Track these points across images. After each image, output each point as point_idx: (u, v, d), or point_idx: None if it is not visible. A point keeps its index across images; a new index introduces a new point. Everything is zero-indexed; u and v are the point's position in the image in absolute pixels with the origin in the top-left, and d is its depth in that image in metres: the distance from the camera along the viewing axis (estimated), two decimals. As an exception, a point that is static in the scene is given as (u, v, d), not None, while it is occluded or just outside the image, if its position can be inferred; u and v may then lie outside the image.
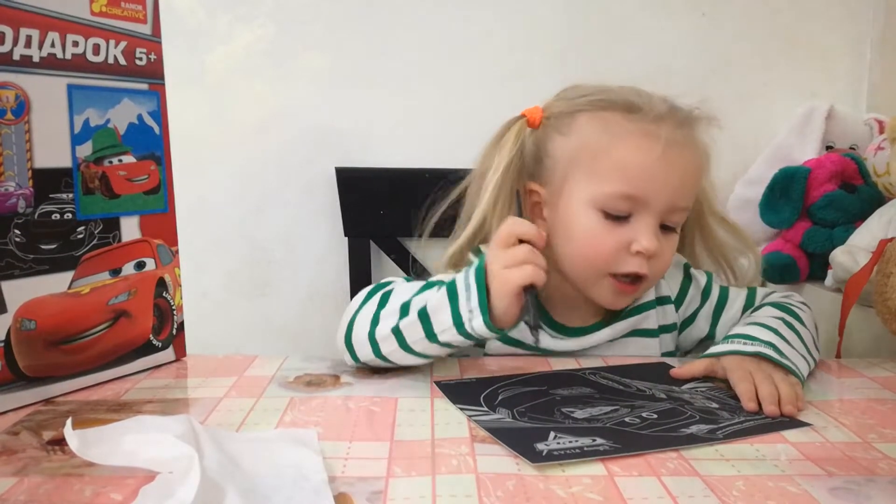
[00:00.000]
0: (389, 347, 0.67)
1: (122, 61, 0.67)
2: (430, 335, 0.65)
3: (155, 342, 0.72)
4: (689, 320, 0.84)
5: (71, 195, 0.64)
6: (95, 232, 0.66)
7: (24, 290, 0.60)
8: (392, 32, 1.28)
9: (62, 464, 0.50)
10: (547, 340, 0.78)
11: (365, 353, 0.69)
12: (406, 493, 0.46)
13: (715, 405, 0.62)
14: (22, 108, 0.60)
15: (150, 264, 0.71)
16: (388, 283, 0.74)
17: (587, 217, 0.74)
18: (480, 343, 0.79)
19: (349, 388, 0.66)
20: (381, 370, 0.70)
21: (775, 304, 0.79)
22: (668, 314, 0.83)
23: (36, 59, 0.61)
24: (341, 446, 0.53)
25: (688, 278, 0.84)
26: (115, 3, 0.66)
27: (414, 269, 1.24)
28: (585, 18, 1.29)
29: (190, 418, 0.50)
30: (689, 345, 0.86)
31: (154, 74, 0.70)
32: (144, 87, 0.69)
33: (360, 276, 1.29)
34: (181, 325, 0.75)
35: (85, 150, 0.65)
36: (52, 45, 0.62)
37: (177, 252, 0.74)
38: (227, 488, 0.43)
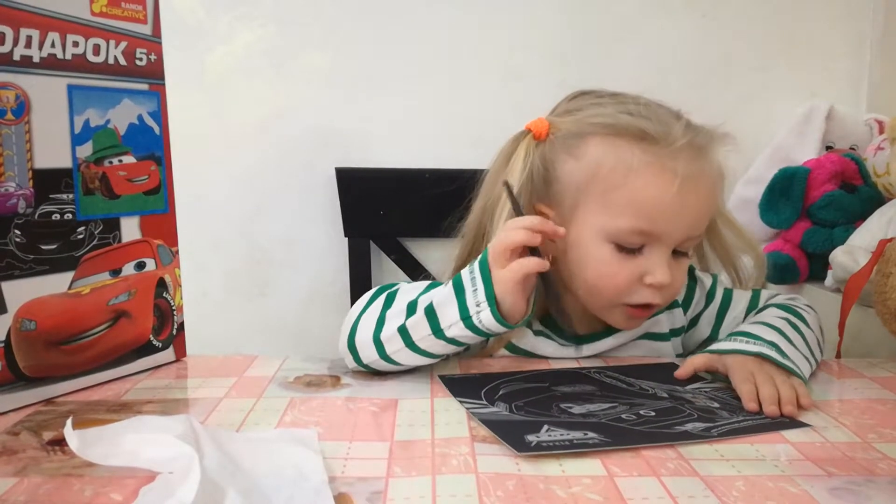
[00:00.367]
0: (395, 347, 0.67)
1: (123, 61, 0.68)
2: (437, 331, 0.65)
3: (155, 342, 0.72)
4: (693, 322, 0.84)
5: (71, 195, 0.64)
6: (95, 232, 0.66)
7: (24, 291, 0.60)
8: (392, 32, 1.28)
9: (62, 464, 0.50)
10: (554, 348, 0.78)
11: (369, 354, 0.69)
12: (406, 493, 0.46)
13: (716, 405, 0.62)
14: (22, 108, 0.60)
15: (151, 264, 0.71)
16: (393, 286, 0.74)
17: (599, 249, 0.73)
18: (484, 345, 0.79)
19: (349, 389, 0.66)
20: (382, 371, 0.70)
21: (780, 306, 0.79)
22: (677, 317, 0.83)
23: (36, 59, 0.61)
24: (341, 446, 0.53)
25: (693, 281, 0.84)
26: (115, 3, 0.66)
27: (421, 278, 1.23)
28: (585, 19, 1.29)
29: (190, 418, 0.50)
30: (691, 346, 0.86)
31: (154, 74, 0.70)
32: (144, 87, 0.69)
33: (360, 276, 1.29)
34: (181, 326, 0.75)
35: (85, 150, 0.65)
36: (53, 46, 0.62)
37: (177, 252, 0.74)
38: (227, 488, 0.43)
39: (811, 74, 1.33)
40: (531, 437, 0.53)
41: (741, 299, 0.83)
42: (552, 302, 0.72)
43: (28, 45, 0.60)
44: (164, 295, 0.73)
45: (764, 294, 0.84)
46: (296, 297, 1.33)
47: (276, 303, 1.33)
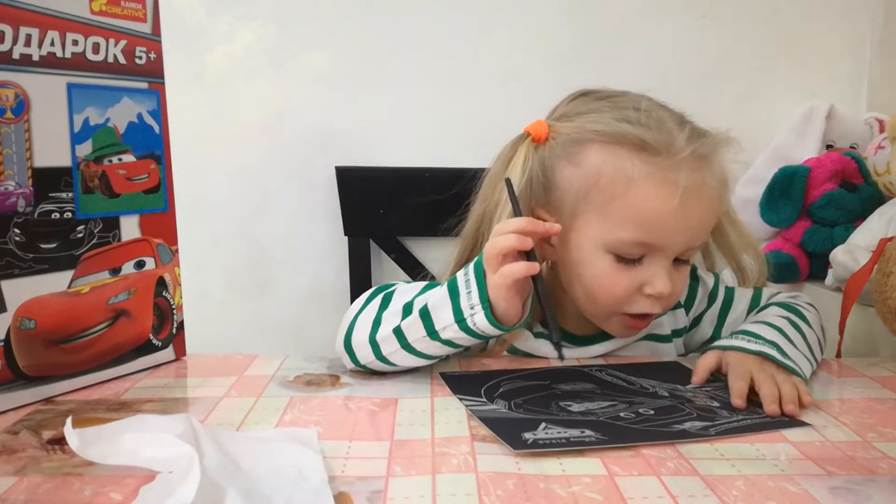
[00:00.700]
0: (390, 348, 0.67)
1: (122, 60, 0.67)
2: (432, 332, 0.65)
3: (155, 341, 0.72)
4: (695, 322, 0.84)
5: (71, 194, 0.64)
6: (95, 231, 0.66)
7: (23, 290, 0.60)
8: (392, 32, 1.28)
9: (62, 463, 0.50)
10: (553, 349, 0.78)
11: (365, 355, 0.68)
12: (406, 492, 0.46)
13: (716, 404, 0.62)
14: (21, 106, 0.60)
15: (150, 263, 0.71)
16: (390, 286, 0.74)
17: (599, 258, 0.72)
18: (484, 347, 0.79)
19: (349, 388, 0.66)
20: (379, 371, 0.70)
21: (781, 304, 0.79)
22: (679, 318, 0.83)
23: (35, 57, 0.61)
24: (341, 446, 0.53)
25: (696, 281, 0.84)
26: (114, 2, 0.66)
27: (420, 277, 1.23)
28: (585, 19, 1.29)
29: (190, 417, 0.50)
30: (693, 346, 0.86)
31: (154, 73, 0.70)
32: (144, 86, 0.69)
33: (360, 276, 1.29)
34: (181, 325, 0.75)
35: (85, 149, 0.65)
36: (52, 44, 0.62)
37: (177, 251, 0.74)
38: (227, 488, 0.43)
39: (811, 74, 1.33)
40: (528, 435, 0.53)
41: (742, 298, 0.83)
42: (552, 305, 0.72)
43: (27, 43, 0.60)
44: (163, 294, 0.73)
45: (765, 292, 0.84)
46: (296, 297, 1.33)
47: (276, 302, 1.33)
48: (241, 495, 0.42)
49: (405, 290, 0.71)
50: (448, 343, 0.66)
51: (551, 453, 0.51)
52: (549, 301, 0.66)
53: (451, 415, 0.59)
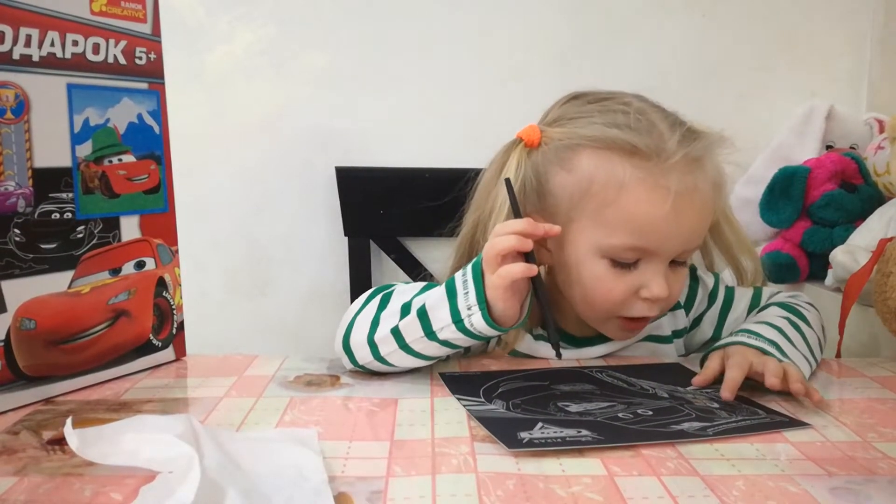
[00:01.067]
0: (388, 348, 0.67)
1: (122, 60, 0.67)
2: (429, 333, 0.65)
3: (155, 342, 0.72)
4: (696, 323, 0.84)
5: (71, 195, 0.64)
6: (95, 231, 0.66)
7: (23, 290, 0.60)
8: (392, 32, 1.28)
9: (62, 463, 0.50)
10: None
11: (363, 355, 0.68)
12: (406, 492, 0.46)
13: (716, 405, 0.62)
14: (21, 107, 0.60)
15: (150, 264, 0.71)
16: (389, 287, 0.74)
17: (594, 264, 0.72)
18: (485, 349, 0.79)
19: (349, 389, 0.66)
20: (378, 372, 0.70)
21: (781, 304, 0.79)
22: (679, 319, 0.83)
23: (35, 58, 0.61)
24: (341, 446, 0.53)
25: (695, 281, 0.84)
26: (114, 2, 0.66)
27: (422, 278, 1.23)
28: (585, 19, 1.29)
29: (190, 418, 0.50)
30: (693, 347, 0.86)
31: (154, 74, 0.70)
32: (144, 86, 0.69)
33: (360, 276, 1.29)
34: (181, 325, 0.75)
35: (85, 149, 0.65)
36: (52, 45, 0.62)
37: (177, 252, 0.74)
38: (227, 488, 0.43)
39: (811, 74, 1.33)
40: (524, 434, 0.53)
41: (742, 298, 0.83)
42: (552, 307, 0.71)
43: (27, 43, 0.60)
44: (163, 294, 0.73)
45: (765, 292, 0.84)
46: (296, 297, 1.33)
47: (276, 302, 1.33)
48: (241, 495, 0.42)
49: (404, 290, 0.71)
50: (446, 344, 0.66)
51: (551, 453, 0.51)
52: (547, 302, 0.66)
53: (451, 415, 0.60)
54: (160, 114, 0.71)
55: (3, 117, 0.59)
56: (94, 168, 0.66)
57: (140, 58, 0.69)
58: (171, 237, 0.73)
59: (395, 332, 0.66)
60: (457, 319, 0.64)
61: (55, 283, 0.63)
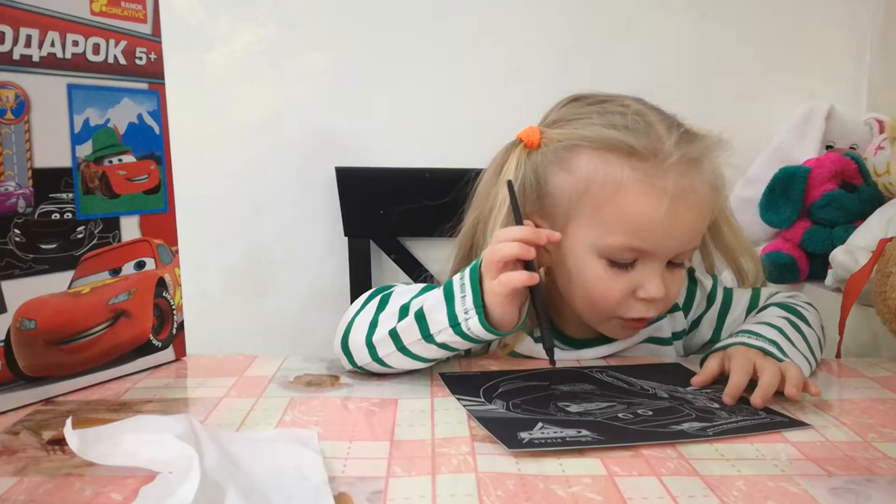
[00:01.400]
0: (386, 350, 0.67)
1: (122, 61, 0.67)
2: (427, 336, 0.65)
3: (155, 342, 0.72)
4: (694, 325, 0.84)
5: (71, 195, 0.64)
6: (95, 232, 0.66)
7: (24, 290, 0.60)
8: (392, 33, 1.28)
9: (62, 464, 0.50)
10: (556, 352, 0.78)
11: (362, 356, 0.68)
12: (406, 493, 0.46)
13: (716, 405, 0.62)
14: (22, 107, 0.60)
15: (150, 264, 0.71)
16: (388, 288, 0.74)
17: (591, 264, 0.72)
18: (486, 350, 0.79)
19: (349, 389, 0.66)
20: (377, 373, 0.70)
21: (781, 305, 0.79)
22: (678, 321, 0.83)
23: (36, 58, 0.61)
24: (341, 446, 0.53)
25: (693, 283, 0.84)
26: (115, 2, 0.66)
27: (423, 278, 1.23)
28: (585, 18, 1.29)
29: (190, 418, 0.50)
30: (692, 349, 0.86)
31: (154, 74, 0.70)
32: (144, 86, 0.69)
33: (360, 276, 1.29)
34: (181, 325, 0.75)
35: (85, 149, 0.65)
36: (52, 45, 0.62)
37: (177, 252, 0.74)
38: (227, 488, 0.43)
39: (811, 74, 1.33)
40: (524, 435, 0.53)
41: (741, 299, 0.83)
42: (551, 309, 0.72)
43: (28, 44, 0.60)
44: (163, 294, 0.73)
45: (764, 292, 0.84)
46: (296, 297, 1.33)
47: (275, 302, 1.33)
48: (241, 495, 0.42)
49: (403, 291, 0.71)
50: (444, 346, 0.66)
51: (551, 453, 0.51)
52: (544, 309, 0.66)
53: (451, 415, 0.60)
54: (160, 114, 0.71)
55: (3, 117, 0.59)
56: (95, 168, 0.66)
57: (140, 58, 0.69)
58: (171, 237, 0.73)
59: (393, 334, 0.66)
60: (454, 323, 0.64)
61: (55, 283, 0.63)
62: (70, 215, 0.64)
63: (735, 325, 0.81)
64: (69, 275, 0.64)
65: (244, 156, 1.29)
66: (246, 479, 0.45)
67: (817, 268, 1.13)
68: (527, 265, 0.65)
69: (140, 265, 0.70)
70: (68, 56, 0.63)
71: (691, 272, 0.84)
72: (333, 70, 1.28)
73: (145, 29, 0.69)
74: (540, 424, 0.55)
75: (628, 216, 0.70)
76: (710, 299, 0.84)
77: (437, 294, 0.66)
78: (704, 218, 0.75)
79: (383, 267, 1.32)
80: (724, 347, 0.69)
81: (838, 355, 0.84)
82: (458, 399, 0.62)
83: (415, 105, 1.29)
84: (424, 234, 1.29)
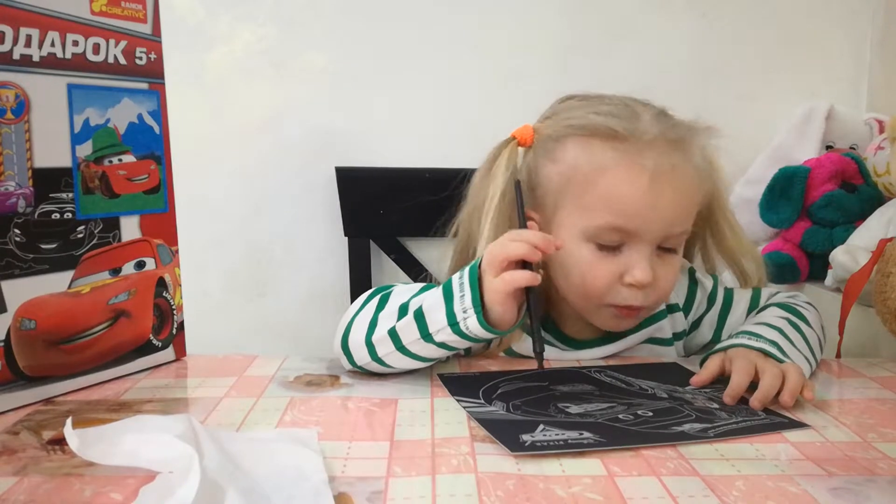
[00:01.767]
0: (386, 349, 0.67)
1: (122, 61, 0.67)
2: (426, 335, 0.65)
3: (155, 342, 0.72)
4: (695, 325, 0.84)
5: (71, 195, 0.64)
6: (95, 231, 0.66)
7: (24, 290, 0.60)
8: (392, 32, 1.28)
9: (62, 464, 0.50)
10: (556, 353, 0.78)
11: (361, 356, 0.68)
12: (406, 493, 0.46)
13: (716, 405, 0.62)
14: (22, 107, 0.60)
15: (150, 264, 0.71)
16: (388, 288, 0.74)
17: (579, 249, 0.73)
18: (486, 348, 0.79)
19: (349, 389, 0.66)
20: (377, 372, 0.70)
21: (780, 305, 0.79)
22: (678, 321, 0.82)
23: (36, 58, 0.61)
24: (341, 446, 0.53)
25: (694, 283, 0.84)
26: (115, 2, 0.66)
27: (422, 278, 1.23)
28: (585, 19, 1.29)
29: (190, 418, 0.50)
30: (693, 350, 0.86)
31: (154, 74, 0.70)
32: (144, 86, 0.69)
33: (360, 276, 1.29)
34: (181, 325, 0.75)
35: (85, 149, 0.65)
36: (52, 45, 0.62)
37: (177, 252, 0.74)
38: (227, 488, 0.43)
39: (811, 74, 1.33)
40: (526, 437, 0.53)
41: (742, 299, 0.83)
42: (551, 309, 0.72)
43: (28, 44, 0.60)
44: (163, 294, 0.73)
45: (764, 293, 0.84)
46: (296, 297, 1.33)
47: (275, 303, 1.33)
48: (242, 495, 0.42)
49: (402, 291, 0.71)
50: (443, 346, 0.66)
51: (551, 454, 0.51)
52: (538, 311, 0.66)
53: (451, 415, 0.60)
54: (160, 114, 0.71)
55: (3, 117, 0.59)
56: (95, 168, 0.66)
57: (140, 58, 0.69)
58: (171, 237, 0.73)
59: (392, 334, 0.66)
60: (452, 322, 0.64)
61: (55, 283, 0.63)
62: (70, 215, 0.64)
63: (736, 326, 0.81)
64: (69, 275, 0.64)
65: (244, 156, 1.29)
66: (246, 479, 0.45)
67: (817, 268, 1.13)
68: (525, 265, 0.65)
69: (140, 265, 0.70)
70: (68, 56, 0.63)
71: (692, 272, 0.84)
72: (333, 70, 1.28)
73: (145, 29, 0.69)
74: (541, 426, 0.55)
75: (610, 195, 0.71)
76: (711, 300, 0.84)
77: (436, 293, 0.66)
78: (690, 199, 0.75)
79: (383, 267, 1.32)
80: (725, 348, 0.69)
81: (838, 355, 0.84)
82: (458, 401, 0.62)
83: (415, 105, 1.29)
84: (424, 235, 1.29)
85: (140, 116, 0.69)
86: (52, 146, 0.62)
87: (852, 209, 1.13)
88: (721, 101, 1.29)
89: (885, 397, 0.66)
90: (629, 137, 0.72)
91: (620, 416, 0.59)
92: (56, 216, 0.63)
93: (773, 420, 0.59)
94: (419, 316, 0.65)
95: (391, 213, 1.27)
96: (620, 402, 0.62)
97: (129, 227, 0.69)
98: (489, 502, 0.45)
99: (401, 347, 0.66)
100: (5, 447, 0.52)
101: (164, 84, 0.71)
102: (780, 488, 0.47)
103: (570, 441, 0.53)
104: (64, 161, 0.63)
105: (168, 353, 0.73)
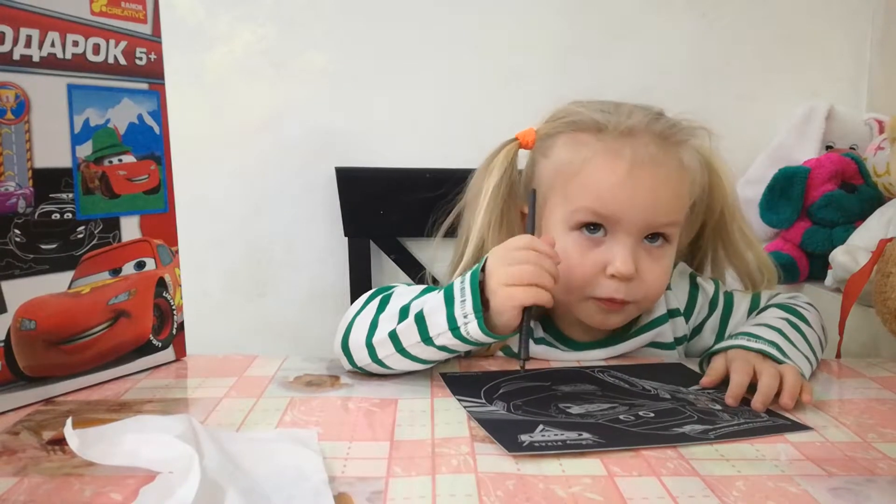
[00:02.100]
0: (386, 351, 0.67)
1: (122, 61, 0.67)
2: (426, 338, 0.65)
3: (155, 342, 0.72)
4: (697, 330, 0.84)
5: (71, 195, 0.64)
6: (95, 232, 0.66)
7: (24, 290, 0.60)
8: (392, 32, 1.28)
9: (62, 464, 0.50)
10: (557, 354, 0.78)
11: (361, 357, 0.68)
12: (406, 493, 0.46)
13: (718, 407, 0.62)
14: (22, 107, 0.60)
15: (150, 264, 0.71)
16: (389, 288, 0.74)
17: (564, 238, 0.74)
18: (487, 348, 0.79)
19: (349, 389, 0.66)
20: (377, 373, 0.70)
21: (780, 305, 0.79)
22: (679, 326, 0.82)
23: (36, 58, 0.61)
24: (341, 446, 0.53)
25: (695, 288, 0.83)
26: (115, 2, 0.66)
27: (420, 277, 1.23)
28: (585, 19, 1.29)
29: (190, 418, 0.50)
30: (694, 355, 0.85)
31: (154, 74, 0.70)
32: (144, 86, 0.69)
33: (360, 277, 1.29)
34: (181, 325, 0.75)
35: (85, 149, 0.65)
36: (52, 45, 0.62)
37: (177, 252, 0.74)
38: (227, 488, 0.43)
39: (811, 74, 1.33)
40: (524, 437, 0.53)
41: (742, 302, 0.83)
42: (551, 310, 0.72)
43: (28, 44, 0.60)
44: (163, 294, 0.73)
45: (764, 294, 0.83)
46: (296, 297, 1.32)
47: (275, 303, 1.33)
48: (242, 495, 0.42)
49: (403, 292, 0.72)
50: (443, 349, 0.66)
51: (550, 454, 0.51)
52: (529, 319, 0.66)
53: (451, 415, 0.60)
54: (160, 114, 0.71)
55: (3, 118, 0.59)
56: (95, 168, 0.66)
57: (140, 58, 0.69)
58: (171, 237, 0.73)
59: (393, 336, 0.66)
60: (453, 327, 0.64)
61: (55, 283, 0.63)
62: (70, 215, 0.64)
63: (737, 329, 0.80)
64: (69, 275, 0.64)
65: (244, 156, 1.29)
66: (246, 479, 0.45)
67: (817, 268, 1.13)
68: None
69: (140, 265, 0.70)
70: (68, 56, 0.63)
71: (693, 277, 0.84)
72: (333, 70, 1.28)
73: (145, 29, 0.69)
74: (541, 427, 0.55)
75: (589, 182, 0.73)
76: (713, 305, 0.83)
77: (438, 297, 0.66)
78: (673, 192, 0.75)
79: (383, 267, 1.32)
80: (724, 349, 0.69)
81: (838, 355, 0.84)
82: (459, 400, 0.62)
83: (415, 105, 1.29)
84: (424, 235, 1.28)
85: (140, 117, 0.69)
86: (52, 146, 0.62)
87: (852, 209, 1.13)
88: (721, 101, 1.29)
89: (885, 397, 0.66)
90: (611, 128, 0.74)
91: (621, 416, 0.59)
92: (56, 216, 0.63)
93: (776, 422, 0.59)
94: (420, 319, 0.65)
95: (391, 213, 1.27)
96: (622, 402, 0.62)
97: (129, 228, 0.69)
98: (489, 502, 0.45)
99: (401, 350, 0.66)
100: (5, 447, 0.52)
101: (164, 84, 0.71)
102: (780, 488, 0.47)
103: (568, 442, 0.53)
104: (64, 161, 0.63)
105: (168, 354, 0.73)
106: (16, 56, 0.59)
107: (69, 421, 0.51)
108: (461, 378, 0.69)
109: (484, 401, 0.62)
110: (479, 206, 0.78)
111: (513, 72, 1.28)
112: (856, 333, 0.89)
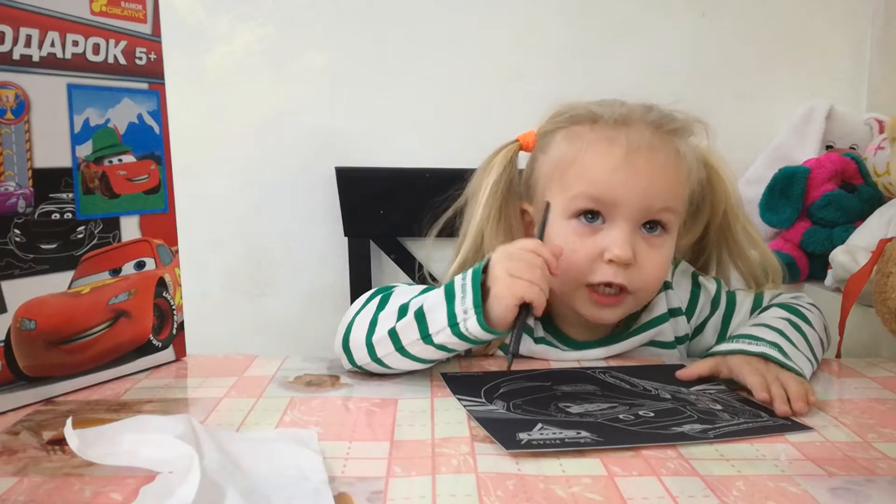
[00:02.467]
0: (385, 350, 0.67)
1: (122, 61, 0.67)
2: (426, 336, 0.65)
3: (155, 342, 0.72)
4: (699, 330, 0.83)
5: (71, 195, 0.64)
6: (95, 232, 0.66)
7: (24, 290, 0.60)
8: (392, 32, 1.28)
9: (62, 464, 0.50)
10: (557, 353, 0.78)
11: (361, 356, 0.68)
12: (406, 493, 0.46)
13: (718, 407, 0.62)
14: (22, 107, 0.60)
15: (150, 264, 0.71)
16: (389, 288, 0.74)
17: (562, 227, 0.75)
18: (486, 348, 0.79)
19: (349, 389, 0.66)
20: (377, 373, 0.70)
21: (782, 305, 0.79)
22: (681, 325, 0.82)
23: (36, 58, 0.61)
24: (341, 446, 0.53)
25: (697, 286, 0.83)
26: (115, 2, 0.66)
27: (420, 276, 1.23)
28: (585, 19, 1.29)
29: (190, 418, 0.50)
30: (696, 355, 0.85)
31: (154, 74, 0.70)
32: (144, 86, 0.69)
33: (360, 276, 1.29)
34: (181, 325, 0.75)
35: (85, 149, 0.65)
36: (52, 45, 0.62)
37: (177, 252, 0.74)
38: (227, 488, 0.43)
39: (811, 74, 1.33)
40: (522, 435, 0.53)
41: (745, 301, 0.83)
42: (552, 310, 0.72)
43: (28, 44, 0.60)
44: (163, 294, 0.73)
45: (767, 294, 0.83)
46: (296, 297, 1.33)
47: (275, 303, 1.33)
48: (242, 495, 0.43)
49: (403, 291, 0.72)
50: (441, 348, 0.66)
51: (551, 454, 0.51)
52: (524, 318, 0.66)
53: (451, 415, 0.60)
54: (160, 114, 0.71)
55: (3, 117, 0.59)
56: (95, 168, 0.66)
57: (140, 58, 0.69)
58: (171, 237, 0.73)
59: (392, 334, 0.66)
60: (452, 323, 0.64)
61: (55, 283, 0.63)
62: (70, 215, 0.64)
63: (738, 329, 0.80)
64: (69, 275, 0.64)
65: (244, 156, 1.29)
66: (246, 479, 0.45)
67: (817, 268, 1.13)
68: None
69: (140, 265, 0.70)
70: (68, 56, 0.63)
71: (695, 276, 0.84)
72: (333, 70, 1.28)
73: (145, 29, 0.69)
74: (539, 425, 0.55)
75: (585, 168, 0.75)
76: (715, 304, 0.83)
77: (438, 294, 0.66)
78: (670, 179, 0.75)
79: (383, 267, 1.32)
80: (723, 353, 0.69)
81: (838, 355, 0.84)
82: (459, 399, 0.62)
83: (415, 105, 1.29)
84: (424, 235, 1.28)
85: (140, 116, 0.69)
86: (52, 146, 0.62)
87: (852, 209, 1.13)
88: (721, 101, 1.29)
89: (885, 397, 0.66)
90: (606, 117, 0.76)
91: (621, 416, 0.59)
92: (56, 216, 0.63)
93: (776, 422, 0.59)
94: (419, 316, 0.65)
95: (391, 213, 1.27)
96: (622, 402, 0.62)
97: (129, 228, 0.69)
98: (489, 502, 0.45)
99: (400, 348, 0.66)
100: (5, 447, 0.52)
101: (164, 84, 0.71)
102: (780, 488, 0.47)
103: (566, 440, 0.53)
104: (64, 161, 0.63)
105: (168, 354, 0.73)
106: (16, 56, 0.59)
107: (69, 421, 0.51)
108: (461, 378, 0.69)
109: (484, 400, 0.62)
110: (478, 201, 0.80)
111: (513, 72, 1.28)
112: (856, 333, 0.89)
